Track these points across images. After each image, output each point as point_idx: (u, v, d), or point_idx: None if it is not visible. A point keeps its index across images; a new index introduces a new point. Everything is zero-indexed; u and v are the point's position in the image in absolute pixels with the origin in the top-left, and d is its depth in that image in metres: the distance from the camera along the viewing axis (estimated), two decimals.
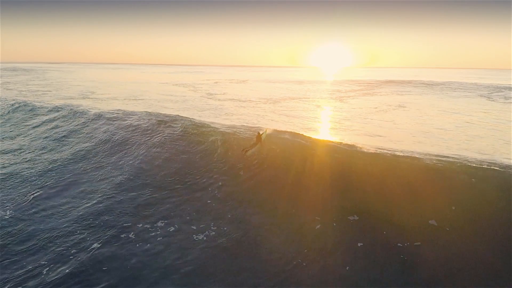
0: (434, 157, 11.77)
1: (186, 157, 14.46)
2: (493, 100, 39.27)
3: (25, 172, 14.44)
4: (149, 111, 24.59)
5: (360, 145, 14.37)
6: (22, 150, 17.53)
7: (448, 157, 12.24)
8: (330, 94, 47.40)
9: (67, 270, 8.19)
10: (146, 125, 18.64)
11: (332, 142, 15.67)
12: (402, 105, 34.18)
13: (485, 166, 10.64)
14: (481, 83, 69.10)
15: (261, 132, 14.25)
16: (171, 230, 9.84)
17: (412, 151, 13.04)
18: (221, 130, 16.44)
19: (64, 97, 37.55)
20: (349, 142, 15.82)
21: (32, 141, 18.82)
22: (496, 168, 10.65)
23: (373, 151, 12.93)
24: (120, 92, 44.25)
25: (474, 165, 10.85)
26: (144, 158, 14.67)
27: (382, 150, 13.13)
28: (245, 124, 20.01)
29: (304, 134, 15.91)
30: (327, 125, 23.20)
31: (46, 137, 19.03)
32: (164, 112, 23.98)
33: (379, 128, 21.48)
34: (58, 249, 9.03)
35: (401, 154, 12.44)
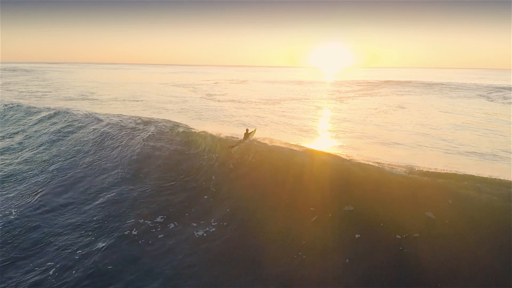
0: (432, 161, 11.81)
1: (179, 155, 14.53)
2: (492, 101, 39.29)
3: (25, 171, 14.54)
4: (144, 114, 24.70)
5: (358, 148, 14.37)
6: (20, 150, 17.63)
7: (446, 159, 12.28)
8: (330, 94, 47.42)
9: (74, 272, 8.27)
10: (139, 126, 18.70)
11: (320, 143, 15.67)
12: (402, 106, 34.19)
13: (484, 170, 10.70)
14: (481, 83, 69.10)
15: (249, 131, 14.33)
16: (171, 227, 9.89)
17: (412, 155, 13.09)
18: (212, 131, 16.50)
19: (63, 98, 37.59)
20: (344, 144, 15.86)
21: (30, 141, 18.86)
22: (494, 170, 10.69)
23: (372, 154, 12.96)
24: (120, 93, 44.26)
25: (472, 169, 10.89)
26: (138, 156, 14.81)
27: (380, 153, 13.17)
28: (240, 125, 20.11)
29: (295, 139, 15.99)
30: (326, 127, 23.21)
31: (43, 138, 19.04)
32: (162, 114, 23.98)
33: (379, 130, 21.49)
34: (65, 251, 9.09)
35: (399, 156, 12.49)
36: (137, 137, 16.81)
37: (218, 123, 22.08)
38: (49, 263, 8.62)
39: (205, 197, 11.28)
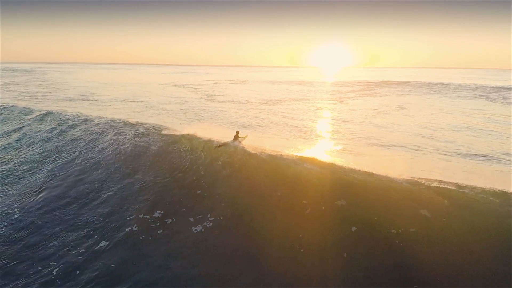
0: (431, 165, 11.80)
1: (169, 153, 14.58)
2: (492, 101, 39.35)
3: (25, 170, 14.68)
4: (144, 114, 24.65)
5: (354, 150, 14.28)
6: (18, 149, 17.79)
7: (445, 162, 12.30)
8: (331, 95, 47.47)
9: (79, 272, 8.34)
10: (130, 127, 18.70)
11: (317, 145, 15.52)
12: (402, 106, 34.25)
13: (483, 174, 10.69)
14: (481, 83, 69.16)
15: (240, 134, 14.37)
16: (168, 222, 10.00)
17: (410, 158, 13.09)
18: (204, 131, 16.62)
19: (63, 98, 37.64)
20: (341, 147, 15.82)
21: (27, 140, 18.88)
22: (493, 173, 10.70)
23: (368, 157, 12.94)
24: (120, 93, 44.30)
25: (472, 172, 10.88)
26: (131, 153, 14.94)
27: (377, 155, 13.18)
28: (236, 128, 20.21)
29: (292, 141, 15.94)
30: (325, 128, 23.25)
31: (39, 137, 19.07)
32: (161, 115, 23.98)
33: (378, 132, 21.53)
34: (71, 252, 9.14)
35: (396, 159, 12.48)
36: (128, 136, 16.93)
37: (214, 125, 22.14)
38: (54, 263, 8.69)
39: (198, 191, 11.37)
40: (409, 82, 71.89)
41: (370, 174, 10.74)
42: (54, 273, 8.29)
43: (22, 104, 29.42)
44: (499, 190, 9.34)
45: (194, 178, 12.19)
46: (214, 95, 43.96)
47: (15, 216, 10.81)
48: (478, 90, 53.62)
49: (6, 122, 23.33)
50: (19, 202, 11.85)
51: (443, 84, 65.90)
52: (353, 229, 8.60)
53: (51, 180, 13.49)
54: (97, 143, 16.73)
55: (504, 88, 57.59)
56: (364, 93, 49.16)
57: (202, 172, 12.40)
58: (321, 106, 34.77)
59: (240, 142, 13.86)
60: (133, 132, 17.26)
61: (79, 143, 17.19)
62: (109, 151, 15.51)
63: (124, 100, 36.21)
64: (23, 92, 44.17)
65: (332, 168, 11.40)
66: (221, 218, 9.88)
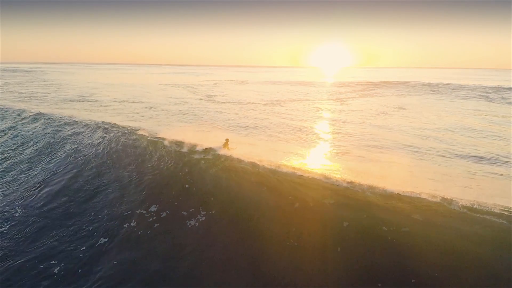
0: (429, 169, 11.78)
1: (158, 152, 14.72)
2: (491, 101, 39.35)
3: (23, 169, 14.75)
4: (144, 115, 24.53)
5: (352, 153, 14.22)
6: (14, 148, 17.86)
7: (445, 167, 12.27)
8: (331, 95, 47.46)
9: (79, 270, 8.37)
10: (120, 130, 18.76)
11: (313, 149, 15.47)
12: (401, 107, 34.24)
13: (483, 177, 10.67)
14: (481, 84, 69.12)
15: (229, 143, 14.54)
16: (163, 215, 10.14)
17: (410, 161, 13.06)
18: (192, 134, 16.71)
19: (63, 99, 37.65)
20: (339, 150, 15.68)
21: (23, 140, 18.93)
22: (493, 175, 10.67)
23: (365, 160, 12.89)
24: (120, 95, 44.28)
25: (471, 175, 10.85)
26: (122, 150, 15.16)
27: (375, 160, 13.13)
28: (232, 131, 20.31)
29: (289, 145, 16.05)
30: (325, 129, 23.23)
31: (33, 137, 19.14)
32: (161, 116, 23.92)
33: (378, 134, 21.50)
34: (73, 252, 9.16)
35: (394, 163, 12.48)
36: (118, 135, 17.04)
37: (211, 127, 22.15)
38: (56, 262, 8.73)
39: (187, 186, 11.56)
40: (408, 82, 71.87)
41: (365, 179, 10.75)
42: (57, 272, 8.34)
43: (20, 105, 29.44)
44: (498, 199, 9.29)
45: (181, 174, 12.38)
46: (214, 96, 43.95)
47: (17, 215, 10.91)
48: (477, 90, 53.61)
49: (1, 122, 23.35)
50: (20, 200, 11.96)
51: (443, 84, 65.88)
52: (345, 224, 8.62)
53: (48, 177, 13.58)
54: (90, 142, 16.84)
55: (503, 88, 57.57)
56: (364, 94, 49.16)
57: (187, 170, 12.63)
58: (321, 106, 34.76)
59: (228, 150, 14.10)
60: (121, 133, 17.51)
61: (74, 141, 17.28)
62: (101, 149, 15.63)
63: (123, 101, 36.21)
64: (23, 93, 44.20)
65: (325, 175, 11.37)
66: (213, 212, 10.06)
